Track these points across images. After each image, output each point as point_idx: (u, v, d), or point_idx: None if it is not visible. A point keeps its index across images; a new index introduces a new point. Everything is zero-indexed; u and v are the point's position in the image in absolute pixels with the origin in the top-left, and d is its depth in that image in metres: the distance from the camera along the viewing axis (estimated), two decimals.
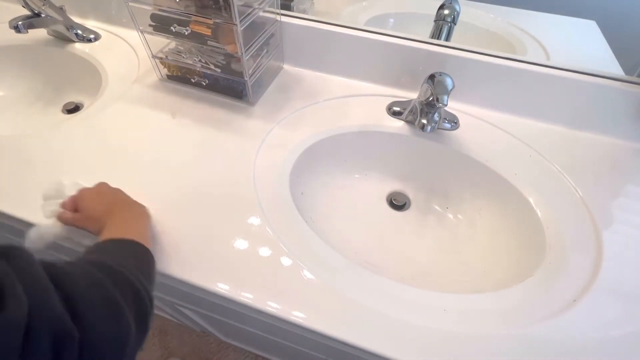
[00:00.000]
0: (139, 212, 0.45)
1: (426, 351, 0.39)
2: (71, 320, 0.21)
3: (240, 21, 0.53)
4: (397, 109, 0.66)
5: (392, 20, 0.74)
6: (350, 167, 0.66)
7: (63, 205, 0.44)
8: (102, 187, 0.46)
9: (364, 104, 0.67)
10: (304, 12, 0.71)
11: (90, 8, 0.82)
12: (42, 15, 0.72)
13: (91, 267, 0.28)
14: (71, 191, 0.45)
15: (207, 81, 0.66)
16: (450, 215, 0.63)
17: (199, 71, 0.65)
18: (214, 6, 0.53)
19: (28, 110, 0.80)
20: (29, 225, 0.50)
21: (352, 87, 0.70)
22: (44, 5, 0.71)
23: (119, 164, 0.56)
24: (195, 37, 0.58)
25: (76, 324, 0.22)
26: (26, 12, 0.71)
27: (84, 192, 0.44)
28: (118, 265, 0.30)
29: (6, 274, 0.20)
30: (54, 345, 0.20)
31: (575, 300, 0.44)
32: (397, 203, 0.65)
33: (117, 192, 0.46)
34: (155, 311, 1.22)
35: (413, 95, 0.65)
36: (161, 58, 0.65)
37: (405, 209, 0.65)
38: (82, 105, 0.80)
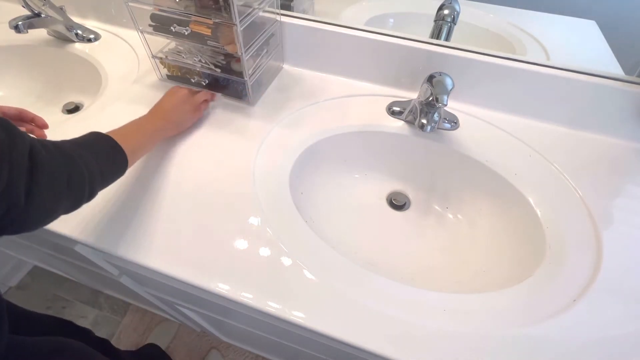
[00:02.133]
0: (162, 127, 0.55)
1: (426, 351, 0.39)
2: (25, 196, 0.31)
3: (240, 21, 0.53)
4: (397, 108, 0.66)
5: (392, 20, 0.74)
6: (350, 167, 0.67)
7: None
8: (178, 92, 0.60)
9: (364, 104, 0.67)
10: (304, 12, 0.71)
11: (90, 8, 0.82)
12: (42, 15, 0.72)
13: (59, 158, 0.36)
14: None
15: (207, 81, 0.66)
16: (450, 215, 0.63)
17: (199, 71, 0.65)
18: (213, 6, 0.53)
19: (28, 110, 0.79)
20: None
21: (352, 87, 0.70)
22: (44, 5, 0.71)
23: None
24: (195, 37, 0.58)
25: (26, 199, 0.31)
26: (26, 12, 0.71)
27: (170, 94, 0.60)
28: (79, 160, 0.38)
29: (2, 155, 0.29)
30: (8, 209, 0.30)
31: (575, 300, 0.44)
32: (397, 203, 0.65)
33: (179, 98, 0.59)
34: (156, 311, 1.22)
35: (413, 95, 0.65)
36: (161, 58, 0.65)
37: (405, 209, 0.65)
38: (82, 106, 0.80)
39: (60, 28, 0.76)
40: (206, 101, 0.63)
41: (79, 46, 0.78)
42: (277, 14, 0.66)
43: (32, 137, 0.34)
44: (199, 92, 0.61)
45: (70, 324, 0.74)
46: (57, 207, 0.36)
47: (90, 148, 0.41)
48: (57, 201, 0.35)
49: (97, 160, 0.41)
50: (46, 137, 0.59)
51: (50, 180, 0.34)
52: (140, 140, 0.49)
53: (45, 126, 0.59)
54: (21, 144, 0.31)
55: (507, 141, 0.62)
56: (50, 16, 0.73)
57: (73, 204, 0.38)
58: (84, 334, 0.77)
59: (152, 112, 0.57)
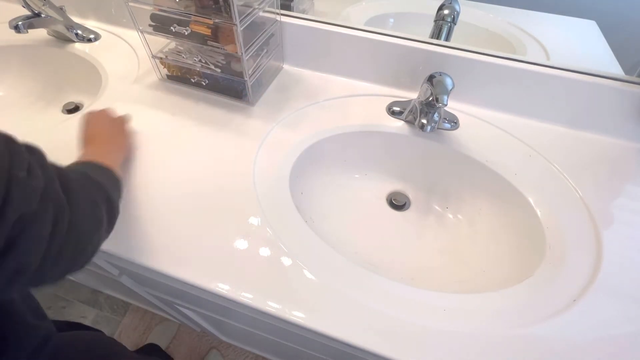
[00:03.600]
0: (118, 145, 0.53)
1: (426, 351, 0.39)
2: (65, 196, 0.30)
3: (240, 21, 0.53)
4: (397, 109, 0.66)
5: (392, 20, 0.74)
6: (350, 167, 0.67)
7: None
8: (104, 116, 0.55)
9: (364, 104, 0.67)
10: (304, 12, 0.71)
11: (90, 8, 0.82)
12: (42, 15, 0.72)
13: (82, 176, 0.36)
14: None
15: (207, 81, 0.66)
16: (450, 215, 0.63)
17: (198, 71, 0.65)
18: (214, 6, 0.53)
19: (28, 110, 0.80)
20: None
21: (352, 87, 0.70)
22: (44, 5, 0.71)
23: None
24: (195, 37, 0.58)
25: (67, 199, 0.30)
26: (26, 12, 0.71)
27: (91, 115, 0.55)
28: (98, 180, 0.39)
29: (33, 163, 0.28)
30: (54, 213, 0.28)
31: (575, 300, 0.44)
32: (397, 203, 0.65)
33: (112, 123, 0.55)
34: (156, 311, 1.22)
35: (413, 95, 0.65)
36: (161, 58, 0.65)
37: (405, 209, 0.65)
38: (82, 105, 0.80)
39: (60, 28, 0.76)
40: (127, 119, 0.59)
41: (79, 46, 0.78)
42: (277, 14, 0.66)
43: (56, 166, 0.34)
44: (113, 112, 0.57)
45: (80, 326, 0.74)
46: (100, 213, 0.34)
47: (96, 173, 0.41)
48: (97, 207, 0.34)
49: (110, 183, 0.40)
50: None
51: (83, 191, 0.33)
52: (117, 163, 0.48)
53: None
54: (40, 155, 0.31)
55: (507, 141, 0.62)
56: (50, 16, 0.73)
57: (108, 226, 0.37)
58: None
59: (94, 140, 0.50)
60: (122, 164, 0.51)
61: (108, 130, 0.53)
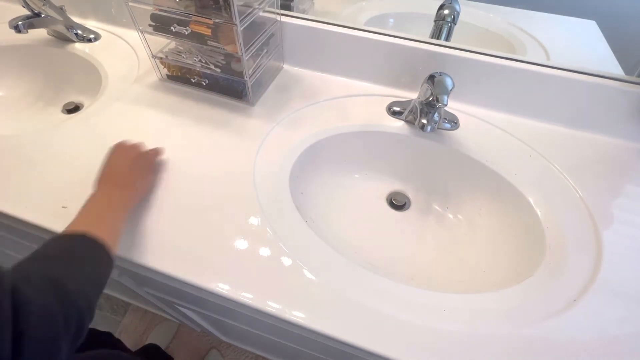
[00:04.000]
0: (135, 189, 0.48)
1: (426, 351, 0.39)
2: (12, 353, 0.25)
3: (240, 21, 0.53)
4: (397, 108, 0.66)
5: (392, 20, 0.74)
6: (350, 167, 0.67)
7: None
8: (129, 152, 0.50)
9: (364, 104, 0.67)
10: (304, 12, 0.71)
11: (90, 8, 0.82)
12: (42, 15, 0.72)
13: (50, 294, 0.30)
14: None
15: (207, 81, 0.66)
16: (450, 215, 0.63)
17: (199, 71, 0.65)
18: (214, 6, 0.53)
19: (28, 110, 0.80)
20: (29, 225, 0.50)
21: (352, 87, 0.70)
22: (44, 5, 0.71)
23: None
24: (195, 37, 0.58)
25: (14, 356, 0.25)
26: (26, 12, 0.71)
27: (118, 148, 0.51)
28: (72, 287, 0.33)
29: None
30: None
31: (575, 300, 0.44)
32: (397, 203, 0.65)
33: (136, 161, 0.50)
34: (155, 311, 1.22)
35: (413, 95, 0.65)
36: (161, 58, 0.65)
37: (405, 209, 0.65)
38: (82, 105, 0.80)
39: (60, 28, 0.76)
40: (157, 155, 0.55)
41: (79, 46, 0.78)
42: (277, 14, 0.66)
43: (13, 271, 0.29)
44: (142, 147, 0.52)
45: (94, 332, 0.74)
46: (57, 353, 0.29)
47: (77, 261, 0.36)
48: (55, 346, 0.29)
49: (88, 276, 0.35)
50: None
51: (41, 324, 0.28)
52: (117, 225, 0.43)
53: None
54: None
55: (507, 141, 0.62)
56: (50, 16, 0.73)
57: (75, 337, 0.32)
58: (106, 336, 0.78)
59: (110, 181, 0.47)
60: (127, 212, 0.46)
61: (128, 170, 0.48)
